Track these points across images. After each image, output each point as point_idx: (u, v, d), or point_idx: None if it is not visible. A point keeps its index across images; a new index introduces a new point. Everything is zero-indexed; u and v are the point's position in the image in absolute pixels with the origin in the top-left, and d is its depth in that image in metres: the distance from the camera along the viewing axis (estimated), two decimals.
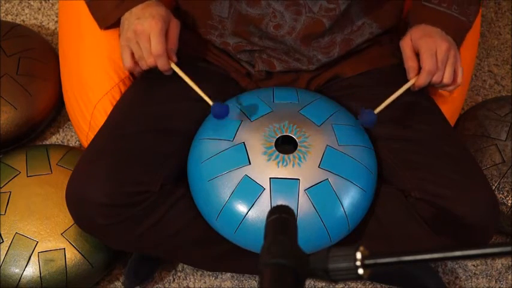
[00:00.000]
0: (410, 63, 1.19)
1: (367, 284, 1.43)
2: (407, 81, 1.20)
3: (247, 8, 1.19)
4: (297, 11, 1.18)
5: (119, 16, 1.20)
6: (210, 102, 1.16)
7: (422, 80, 1.17)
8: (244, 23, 1.22)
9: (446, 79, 1.18)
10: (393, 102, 1.25)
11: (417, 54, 1.20)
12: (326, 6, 1.18)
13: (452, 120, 1.42)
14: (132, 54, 1.18)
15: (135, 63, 1.19)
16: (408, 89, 1.20)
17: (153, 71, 1.21)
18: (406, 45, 1.21)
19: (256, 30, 1.22)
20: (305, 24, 1.20)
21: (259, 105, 1.22)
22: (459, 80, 1.19)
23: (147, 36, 1.14)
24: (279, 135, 1.17)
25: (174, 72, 1.19)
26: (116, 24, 1.23)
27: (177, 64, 1.18)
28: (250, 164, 1.15)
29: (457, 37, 1.23)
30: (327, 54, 1.26)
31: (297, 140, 1.17)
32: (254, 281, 1.42)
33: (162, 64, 1.17)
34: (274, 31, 1.20)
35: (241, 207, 1.14)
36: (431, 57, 1.16)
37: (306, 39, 1.22)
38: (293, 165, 1.14)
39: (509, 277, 1.46)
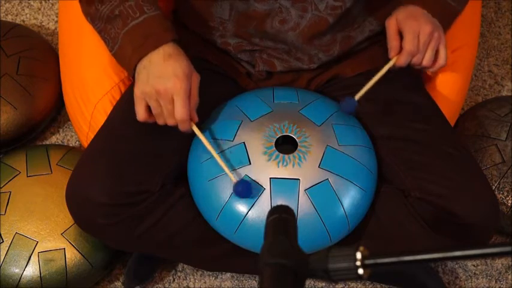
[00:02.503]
0: (392, 42, 1.20)
1: (367, 284, 1.43)
2: (406, 80, 1.20)
3: (255, 4, 1.19)
4: (304, 7, 1.19)
5: (136, 62, 1.10)
6: (234, 180, 1.12)
7: (402, 60, 1.18)
8: (245, 24, 1.22)
9: (426, 61, 1.19)
10: (393, 102, 1.25)
11: (401, 35, 1.20)
12: (332, 4, 1.19)
13: (452, 120, 1.42)
14: (147, 107, 1.10)
15: (150, 115, 1.11)
16: (409, 88, 1.21)
17: None
18: (390, 24, 1.21)
19: (257, 31, 1.22)
20: (310, 21, 1.20)
21: (259, 105, 1.22)
22: (442, 61, 1.20)
23: (170, 97, 1.07)
24: (279, 135, 1.17)
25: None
26: None
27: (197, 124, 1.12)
28: (250, 164, 1.15)
29: (444, 21, 1.23)
30: (327, 52, 1.26)
31: (297, 140, 1.17)
32: (254, 281, 1.42)
33: (184, 127, 1.10)
34: (278, 25, 1.20)
35: (241, 207, 1.14)
36: (413, 38, 1.17)
37: (308, 37, 1.22)
38: (293, 165, 1.14)
39: (509, 277, 1.46)
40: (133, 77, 1.12)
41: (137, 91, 1.09)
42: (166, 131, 1.20)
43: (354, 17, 1.25)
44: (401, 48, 1.18)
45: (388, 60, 1.19)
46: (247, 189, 1.12)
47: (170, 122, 1.10)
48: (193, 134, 1.23)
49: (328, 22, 1.21)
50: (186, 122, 1.09)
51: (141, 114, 1.10)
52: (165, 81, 1.06)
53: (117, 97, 1.30)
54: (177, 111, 1.07)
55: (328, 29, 1.22)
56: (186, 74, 1.08)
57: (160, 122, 1.11)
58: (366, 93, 1.24)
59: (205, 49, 1.30)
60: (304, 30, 1.21)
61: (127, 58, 1.12)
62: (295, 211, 1.12)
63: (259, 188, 1.13)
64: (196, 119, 1.12)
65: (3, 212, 1.32)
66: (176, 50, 1.10)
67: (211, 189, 1.16)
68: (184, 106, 1.07)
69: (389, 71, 1.20)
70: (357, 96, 1.18)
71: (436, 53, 1.20)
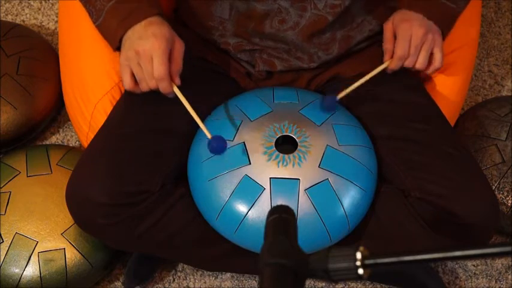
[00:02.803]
0: (386, 45, 1.22)
1: (367, 284, 1.43)
2: (406, 80, 1.21)
3: (255, 4, 1.19)
4: (303, 7, 1.19)
5: (122, 35, 1.13)
6: (208, 135, 1.13)
7: (393, 64, 1.20)
8: (245, 23, 1.22)
9: (419, 64, 1.20)
10: (393, 102, 1.25)
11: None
12: (331, 2, 1.19)
13: (452, 120, 1.42)
14: (133, 75, 1.13)
15: (136, 83, 1.14)
16: (409, 88, 1.21)
17: None
18: (387, 28, 1.23)
19: (257, 31, 1.22)
20: (309, 20, 1.20)
21: (259, 105, 1.22)
22: (437, 64, 1.21)
23: (149, 57, 1.09)
24: (279, 135, 1.18)
25: (186, 64, 1.14)
26: None
27: (180, 87, 1.13)
28: (250, 163, 1.15)
29: (443, 24, 1.23)
30: (326, 51, 1.26)
31: (297, 139, 1.17)
32: (254, 281, 1.42)
33: (164, 87, 1.11)
34: (278, 25, 1.20)
35: (241, 207, 1.14)
36: (404, 42, 1.18)
37: (308, 35, 1.22)
38: (293, 165, 1.14)
39: (509, 277, 1.46)
40: (118, 49, 1.16)
41: (121, 58, 1.13)
42: (166, 131, 1.20)
43: (353, 15, 1.25)
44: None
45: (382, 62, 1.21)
46: (221, 145, 1.14)
47: (151, 84, 1.11)
48: (192, 133, 1.23)
49: (328, 20, 1.21)
50: (164, 80, 1.10)
51: (127, 82, 1.13)
52: (144, 42, 1.09)
53: (117, 97, 1.30)
54: (155, 68, 1.09)
55: (327, 26, 1.22)
56: (165, 36, 1.10)
57: (143, 87, 1.13)
58: (366, 93, 1.24)
59: (205, 49, 1.30)
60: (304, 29, 1.21)
61: (112, 31, 1.15)
62: (295, 211, 1.12)
63: (260, 188, 1.13)
64: (178, 82, 1.13)
65: (3, 212, 1.32)
66: (159, 19, 1.13)
67: (211, 189, 1.16)
68: (162, 64, 1.09)
69: (385, 72, 1.21)
70: (340, 95, 1.19)
71: (431, 56, 1.20)
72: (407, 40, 1.18)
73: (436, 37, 1.20)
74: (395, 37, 1.22)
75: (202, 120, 1.20)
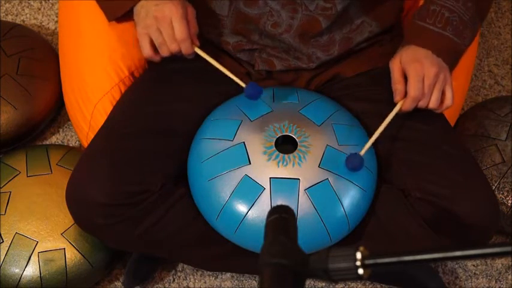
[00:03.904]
0: (397, 86, 1.18)
1: (367, 284, 1.43)
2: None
3: (245, 8, 1.19)
4: (294, 9, 1.19)
5: (133, 5, 1.17)
6: (242, 84, 1.18)
7: (407, 106, 1.17)
8: (244, 20, 1.22)
9: (433, 104, 1.17)
10: (392, 103, 1.24)
11: (406, 77, 1.19)
12: (322, 5, 1.18)
13: (452, 120, 1.42)
14: (151, 42, 1.16)
15: (155, 51, 1.17)
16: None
17: (155, 71, 1.21)
18: (395, 67, 1.19)
19: (256, 28, 1.22)
20: (301, 21, 1.20)
21: (259, 105, 1.22)
22: (448, 102, 1.18)
23: (169, 21, 1.13)
24: (279, 135, 1.17)
25: (185, 64, 1.18)
26: (123, 17, 1.22)
27: (200, 47, 1.18)
28: (250, 163, 1.15)
29: (450, 59, 1.21)
30: (326, 52, 1.26)
31: (297, 139, 1.17)
32: (254, 281, 1.42)
33: (186, 48, 1.15)
34: (272, 29, 1.21)
35: (241, 207, 1.14)
36: (418, 83, 1.15)
37: (304, 37, 1.22)
38: (293, 165, 1.14)
39: (509, 277, 1.46)
40: (114, 20, 1.22)
41: (139, 28, 1.16)
42: (167, 131, 1.20)
43: (351, 17, 1.24)
44: (406, 92, 1.17)
45: (393, 105, 1.17)
46: (258, 89, 1.18)
47: (173, 48, 1.15)
48: (192, 134, 1.23)
49: (320, 22, 1.20)
50: (186, 41, 1.14)
51: (146, 49, 1.16)
52: (162, 7, 1.13)
53: (117, 97, 1.30)
54: (177, 31, 1.13)
55: (322, 29, 1.22)
56: (180, 1, 1.14)
57: (163, 51, 1.16)
58: (367, 93, 1.24)
59: (205, 49, 1.30)
60: (298, 30, 1.21)
61: (118, 1, 1.20)
62: (295, 211, 1.12)
63: (260, 188, 1.13)
64: (197, 43, 1.18)
65: (3, 212, 1.32)
66: None
67: (211, 189, 1.16)
68: (183, 25, 1.13)
69: (384, 73, 1.20)
70: (363, 152, 1.14)
71: (443, 94, 1.18)
72: (420, 81, 1.15)
73: (447, 76, 1.18)
74: (403, 75, 1.19)
75: (202, 120, 1.20)
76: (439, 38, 1.19)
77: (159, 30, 1.14)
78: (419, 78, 1.15)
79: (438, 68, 1.16)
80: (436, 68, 1.16)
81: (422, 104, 1.17)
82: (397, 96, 1.18)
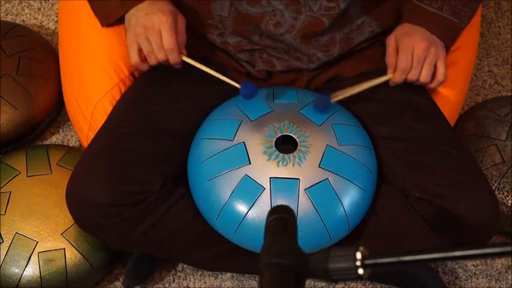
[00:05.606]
0: (389, 59, 1.21)
1: (367, 284, 1.43)
2: (406, 82, 1.20)
3: (247, 7, 1.19)
4: (297, 9, 1.19)
5: (124, 13, 1.20)
6: (236, 85, 1.18)
7: (396, 77, 1.20)
8: (244, 21, 1.22)
9: (423, 77, 1.19)
10: (393, 102, 1.24)
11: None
12: (326, 5, 1.18)
13: (452, 120, 1.42)
14: (140, 51, 1.18)
15: (143, 59, 1.19)
16: (409, 88, 1.21)
17: (155, 71, 1.21)
18: (389, 42, 1.22)
19: (257, 29, 1.22)
20: (305, 23, 1.20)
21: (259, 105, 1.22)
22: (440, 77, 1.20)
23: (158, 30, 1.14)
24: (279, 134, 1.18)
25: (185, 64, 1.19)
26: (117, 21, 1.23)
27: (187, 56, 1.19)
28: (250, 163, 1.15)
29: (447, 38, 1.22)
30: (326, 52, 1.26)
31: (297, 139, 1.17)
32: (254, 281, 1.42)
33: (173, 58, 1.17)
34: (273, 29, 1.21)
35: (241, 207, 1.14)
36: (407, 55, 1.17)
37: (305, 38, 1.22)
38: (293, 165, 1.14)
39: (509, 277, 1.46)
40: (107, 25, 1.24)
41: (129, 35, 1.18)
42: (166, 131, 1.20)
43: (351, 17, 1.25)
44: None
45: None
46: (252, 90, 1.18)
47: (160, 56, 1.16)
48: (192, 134, 1.23)
49: (324, 23, 1.21)
50: (174, 51, 1.16)
51: (134, 58, 1.18)
52: (152, 16, 1.15)
53: (117, 97, 1.30)
54: (165, 40, 1.14)
55: (324, 29, 1.22)
56: (171, 11, 1.16)
57: (151, 59, 1.17)
58: (367, 93, 1.24)
59: (205, 49, 1.30)
60: (300, 32, 1.21)
61: (111, 8, 1.21)
62: (295, 211, 1.12)
63: (260, 188, 1.13)
64: (185, 52, 1.19)
65: (3, 212, 1.32)
66: None
67: (211, 189, 1.16)
68: (171, 36, 1.14)
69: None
70: (334, 99, 1.19)
71: (435, 70, 1.19)
72: (410, 53, 1.17)
73: (439, 50, 1.19)
74: (397, 51, 1.21)
75: (202, 120, 1.20)
76: (434, 17, 1.21)
77: (147, 39, 1.15)
78: (409, 51, 1.17)
79: (429, 42, 1.17)
80: (426, 42, 1.17)
81: (412, 76, 1.19)
82: (389, 69, 1.21)
